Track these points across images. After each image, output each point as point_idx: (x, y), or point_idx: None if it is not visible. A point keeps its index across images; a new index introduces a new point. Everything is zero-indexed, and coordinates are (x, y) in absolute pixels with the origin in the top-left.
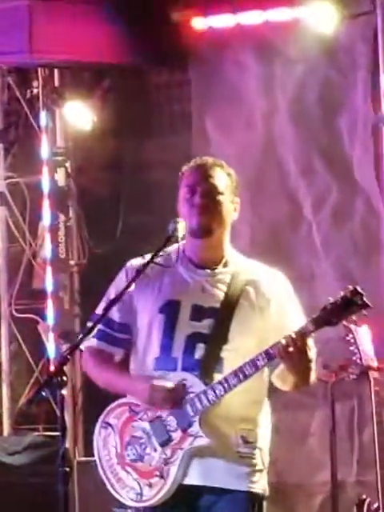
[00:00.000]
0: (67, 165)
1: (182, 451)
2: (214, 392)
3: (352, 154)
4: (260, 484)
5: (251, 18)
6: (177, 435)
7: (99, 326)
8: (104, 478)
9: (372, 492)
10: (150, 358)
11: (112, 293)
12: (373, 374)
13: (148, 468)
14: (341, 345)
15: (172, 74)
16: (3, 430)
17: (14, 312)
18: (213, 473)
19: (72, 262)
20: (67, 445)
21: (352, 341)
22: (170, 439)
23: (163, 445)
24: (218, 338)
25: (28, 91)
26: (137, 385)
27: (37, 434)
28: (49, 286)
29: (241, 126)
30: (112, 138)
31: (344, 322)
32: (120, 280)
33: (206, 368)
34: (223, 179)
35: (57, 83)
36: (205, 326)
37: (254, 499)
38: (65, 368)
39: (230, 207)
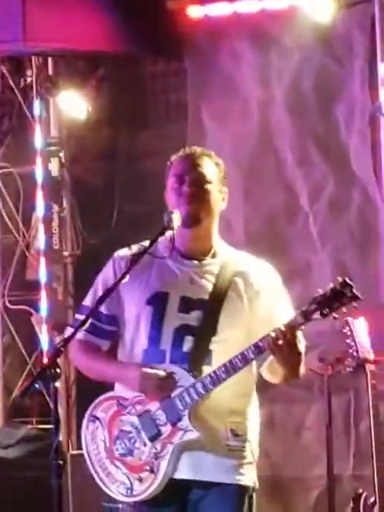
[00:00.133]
0: (61, 155)
1: (172, 445)
2: (203, 386)
3: (349, 143)
4: (250, 477)
5: (247, 6)
6: (166, 429)
7: None
8: (93, 472)
9: (368, 486)
10: (138, 351)
11: (99, 284)
12: (369, 367)
13: (138, 462)
14: (337, 337)
15: (167, 62)
16: None
17: (7, 303)
18: (202, 467)
19: (66, 253)
20: (61, 438)
21: (348, 333)
22: (159, 433)
23: (153, 439)
24: (206, 330)
25: (21, 80)
26: (128, 372)
27: (30, 426)
28: (42, 277)
29: (237, 116)
30: (106, 128)
31: (335, 314)
32: (107, 271)
33: (195, 361)
34: (211, 168)
35: (51, 72)
36: (193, 317)
37: (243, 492)
38: (58, 360)
39: (219, 197)
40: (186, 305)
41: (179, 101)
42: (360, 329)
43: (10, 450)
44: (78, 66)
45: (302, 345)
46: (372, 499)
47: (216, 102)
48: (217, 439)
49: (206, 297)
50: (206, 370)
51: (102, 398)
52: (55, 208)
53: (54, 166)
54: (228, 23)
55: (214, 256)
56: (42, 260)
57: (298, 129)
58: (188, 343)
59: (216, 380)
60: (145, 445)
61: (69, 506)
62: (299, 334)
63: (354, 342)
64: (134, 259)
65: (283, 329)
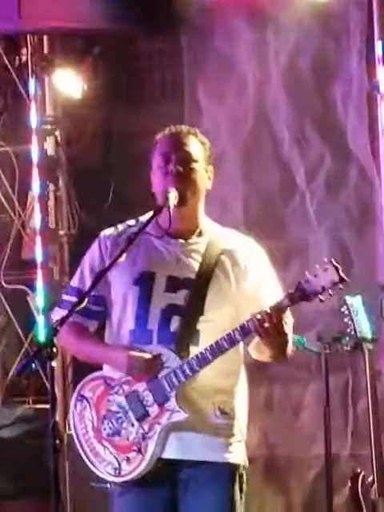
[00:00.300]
0: (57, 133)
1: (160, 426)
2: (190, 367)
3: (346, 121)
4: (239, 455)
5: None
6: (153, 410)
7: (73, 299)
8: (81, 452)
9: (366, 465)
10: (125, 331)
11: (86, 264)
12: (367, 346)
13: (125, 442)
14: (335, 316)
15: (164, 41)
16: None
17: (2, 283)
18: (191, 446)
19: (62, 233)
20: (57, 418)
21: (346, 312)
22: (146, 414)
23: (140, 419)
24: (193, 309)
25: (17, 59)
26: (114, 355)
27: (27, 406)
28: (38, 256)
29: (233, 94)
30: (103, 106)
31: (321, 297)
32: (93, 250)
33: (182, 341)
34: (198, 147)
35: (46, 50)
36: (180, 297)
37: (233, 470)
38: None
39: (205, 175)
40: (173, 284)
41: (175, 79)
42: (357, 308)
43: (7, 429)
44: (74, 45)
45: (288, 326)
46: (370, 479)
47: (212, 81)
48: (204, 419)
49: (193, 276)
50: (193, 350)
51: (89, 377)
52: (51, 187)
53: (49, 145)
54: (224, 1)
55: (200, 235)
56: (38, 239)
57: (295, 107)
58: (175, 323)
59: (203, 361)
60: (132, 425)
61: (66, 486)
62: (288, 313)
63: (352, 320)
64: (131, 239)
65: (269, 311)
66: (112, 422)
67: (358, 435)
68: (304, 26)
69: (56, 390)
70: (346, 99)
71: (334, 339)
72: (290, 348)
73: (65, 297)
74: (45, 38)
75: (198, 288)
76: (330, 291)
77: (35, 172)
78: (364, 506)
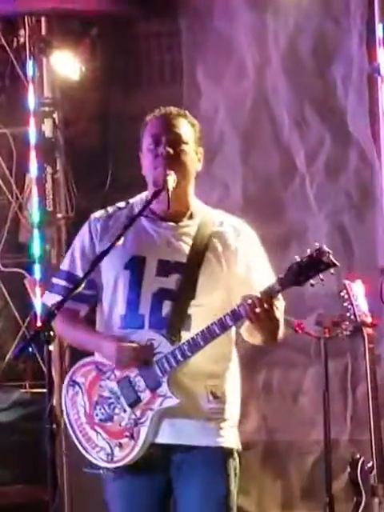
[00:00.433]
0: (55, 116)
1: (152, 412)
2: (182, 352)
3: (346, 104)
4: (231, 439)
5: None
6: (145, 395)
7: (64, 283)
8: (73, 437)
9: (366, 451)
10: (116, 316)
11: (76, 246)
12: (367, 330)
13: (118, 428)
14: (334, 301)
15: (162, 23)
16: None
17: (0, 266)
18: (183, 431)
19: (59, 216)
20: (54, 402)
21: (346, 296)
22: (138, 400)
23: (132, 405)
24: (185, 293)
25: (14, 40)
26: (104, 344)
27: (23, 390)
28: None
29: (232, 77)
30: (100, 88)
31: (312, 281)
32: (83, 233)
33: (173, 325)
34: (188, 129)
35: (44, 32)
36: (171, 281)
37: (226, 454)
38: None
39: (195, 157)
40: (164, 268)
41: (174, 61)
42: (357, 292)
43: (3, 413)
44: (72, 26)
45: (279, 311)
46: (369, 464)
47: (211, 63)
48: (197, 403)
49: (184, 260)
50: (185, 334)
51: (80, 363)
52: (49, 170)
53: (47, 127)
54: None
55: (190, 217)
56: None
57: (295, 89)
58: (166, 308)
59: (194, 347)
60: (124, 411)
61: (63, 470)
62: (279, 296)
63: (352, 305)
64: (128, 223)
65: (260, 296)
66: (104, 408)
67: (358, 420)
68: (304, 7)
69: (53, 374)
70: (346, 81)
71: (333, 323)
72: (281, 332)
73: (55, 280)
74: (42, 19)
75: (189, 272)
76: (320, 276)
77: (33, 154)
78: (363, 491)
